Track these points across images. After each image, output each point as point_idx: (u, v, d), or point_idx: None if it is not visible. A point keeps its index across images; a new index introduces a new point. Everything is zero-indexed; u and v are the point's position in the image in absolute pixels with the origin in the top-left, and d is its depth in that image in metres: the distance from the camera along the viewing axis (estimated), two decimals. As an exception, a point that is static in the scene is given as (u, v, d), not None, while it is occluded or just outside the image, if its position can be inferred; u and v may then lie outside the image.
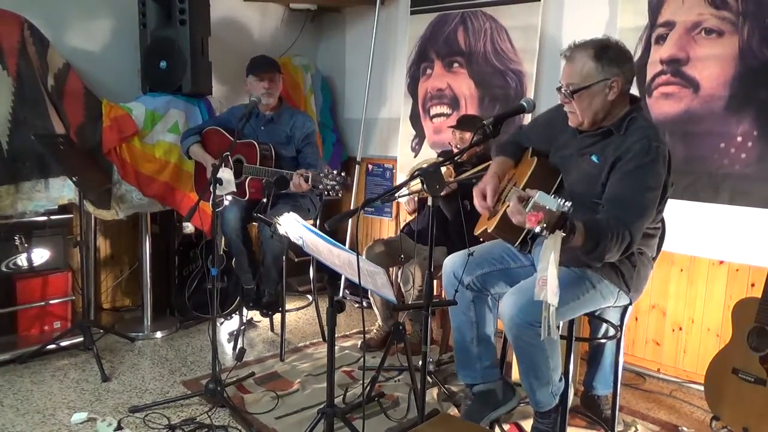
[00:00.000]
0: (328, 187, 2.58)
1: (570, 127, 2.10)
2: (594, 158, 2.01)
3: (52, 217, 3.19)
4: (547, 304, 1.75)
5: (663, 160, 1.91)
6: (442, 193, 2.69)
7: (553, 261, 1.68)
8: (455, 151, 3.08)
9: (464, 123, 3.17)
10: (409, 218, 3.42)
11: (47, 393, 2.68)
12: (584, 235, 1.74)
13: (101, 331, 3.32)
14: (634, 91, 2.98)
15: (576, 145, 2.09)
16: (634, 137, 1.93)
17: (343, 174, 2.60)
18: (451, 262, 2.29)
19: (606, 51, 1.94)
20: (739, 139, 2.72)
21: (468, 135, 3.11)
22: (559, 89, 2.00)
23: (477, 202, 2.13)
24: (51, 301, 3.21)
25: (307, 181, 2.73)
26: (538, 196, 1.60)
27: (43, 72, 3.07)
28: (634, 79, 2.03)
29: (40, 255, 3.17)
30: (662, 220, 2.24)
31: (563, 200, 1.59)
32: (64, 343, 3.10)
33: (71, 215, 3.35)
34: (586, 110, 1.97)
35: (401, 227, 3.44)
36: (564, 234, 1.66)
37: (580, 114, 1.98)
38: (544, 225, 1.59)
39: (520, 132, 2.43)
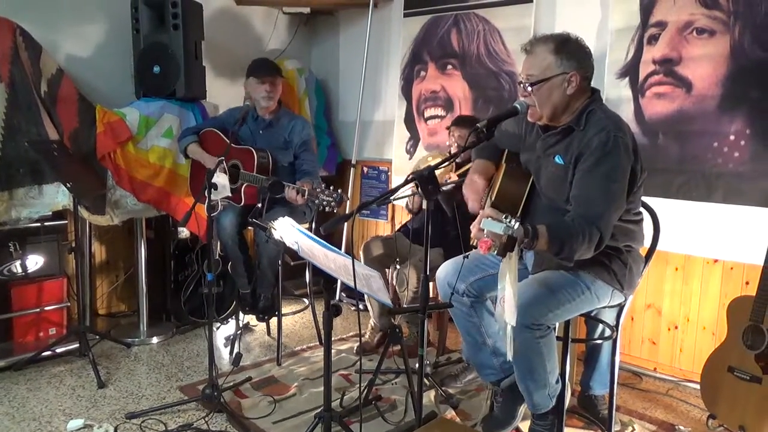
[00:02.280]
0: (324, 203, 2.59)
1: (534, 128, 2.12)
2: (558, 159, 2.01)
3: (47, 224, 3.17)
4: (506, 324, 1.76)
5: (624, 150, 1.90)
6: (444, 188, 2.73)
7: (509, 281, 1.69)
8: (453, 150, 3.11)
9: (463, 121, 3.21)
10: (407, 218, 3.42)
11: (43, 400, 2.67)
12: (547, 238, 1.76)
13: (97, 337, 3.30)
14: (627, 91, 3.02)
15: (541, 146, 2.10)
16: (593, 131, 1.93)
17: (339, 191, 2.60)
18: (444, 271, 2.30)
19: (565, 45, 1.95)
20: (732, 137, 2.73)
21: (464, 131, 3.14)
22: (520, 83, 2.02)
23: (468, 194, 2.15)
24: (46, 308, 3.20)
25: (303, 195, 2.73)
26: (484, 224, 1.63)
27: (36, 78, 3.06)
28: (593, 75, 2.04)
29: (35, 261, 3.16)
30: (652, 212, 2.26)
31: (511, 220, 1.61)
32: (59, 350, 3.09)
33: (66, 221, 3.33)
34: (545, 103, 1.98)
35: (398, 227, 3.44)
36: (526, 244, 1.71)
37: (539, 107, 1.99)
38: (494, 252, 1.62)
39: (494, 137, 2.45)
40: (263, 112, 3.25)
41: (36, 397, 2.70)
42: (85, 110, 3.23)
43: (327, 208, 2.61)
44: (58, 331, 3.24)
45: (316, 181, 3.02)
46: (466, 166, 2.84)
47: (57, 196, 3.12)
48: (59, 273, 3.26)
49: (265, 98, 3.17)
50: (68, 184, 2.95)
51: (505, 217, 1.63)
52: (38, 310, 3.18)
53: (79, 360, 3.08)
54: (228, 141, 3.13)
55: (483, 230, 1.64)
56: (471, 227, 1.80)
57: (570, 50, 1.95)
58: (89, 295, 3.57)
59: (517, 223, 1.62)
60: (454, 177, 2.93)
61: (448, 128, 3.20)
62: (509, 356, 1.85)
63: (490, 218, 1.64)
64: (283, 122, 3.28)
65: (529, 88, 1.97)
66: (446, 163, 2.29)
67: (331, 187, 2.63)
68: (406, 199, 3.18)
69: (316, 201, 2.62)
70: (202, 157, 3.18)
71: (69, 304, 3.32)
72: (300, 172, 3.20)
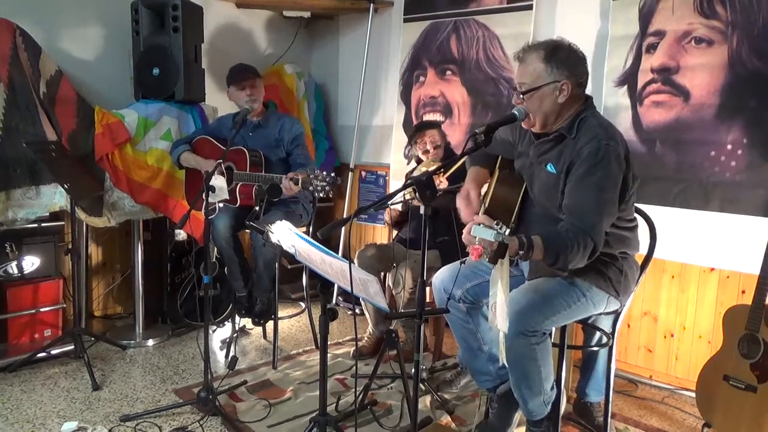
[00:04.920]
0: (318, 187, 2.58)
1: (527, 134, 2.12)
2: (550, 168, 2.01)
3: (43, 225, 3.17)
4: (497, 330, 1.76)
5: (616, 158, 1.90)
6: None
7: (501, 288, 1.69)
8: (424, 158, 3.14)
9: (424, 126, 3.23)
10: (395, 231, 3.43)
11: (37, 402, 2.66)
12: (543, 249, 1.77)
13: (92, 339, 3.30)
14: (626, 99, 3.03)
15: (534, 153, 2.10)
16: (584, 140, 1.93)
17: (333, 174, 2.59)
18: (441, 277, 2.30)
19: (557, 53, 1.94)
20: (729, 147, 2.74)
21: (434, 131, 3.15)
22: (514, 89, 2.02)
23: (462, 209, 2.14)
24: (42, 309, 3.19)
25: (297, 183, 2.73)
26: (474, 230, 1.63)
27: (35, 79, 3.06)
28: (589, 80, 2.04)
29: (31, 262, 3.15)
30: (648, 220, 2.27)
31: (502, 227, 1.61)
32: (54, 352, 3.08)
33: (62, 222, 3.33)
34: (537, 111, 1.98)
35: (394, 237, 3.44)
36: (522, 253, 1.72)
37: (531, 115, 1.99)
38: (486, 258, 1.62)
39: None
40: (250, 115, 3.26)
41: (30, 399, 2.69)
42: (83, 111, 3.23)
43: (322, 194, 2.59)
44: (53, 333, 3.23)
45: (310, 169, 3.01)
46: (453, 168, 2.85)
47: (54, 197, 3.12)
48: (55, 274, 3.26)
49: (248, 102, 3.17)
50: (66, 185, 2.94)
51: (497, 224, 1.63)
52: (33, 311, 3.17)
53: (74, 362, 3.07)
54: (221, 146, 3.14)
55: (475, 237, 1.64)
56: (463, 234, 1.80)
57: (561, 58, 1.94)
58: (85, 297, 3.56)
59: (508, 230, 1.63)
60: (443, 181, 2.93)
61: (411, 141, 3.22)
62: (501, 361, 1.85)
63: (481, 225, 1.64)
64: (272, 122, 3.30)
65: (521, 96, 1.97)
66: (443, 168, 2.31)
67: (324, 172, 2.61)
68: (386, 214, 3.19)
69: (311, 187, 2.60)
70: (196, 161, 3.19)
71: (65, 305, 3.31)
72: (295, 165, 3.20)
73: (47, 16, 3.35)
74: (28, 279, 3.15)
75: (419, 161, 3.20)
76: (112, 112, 3.28)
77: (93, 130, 3.18)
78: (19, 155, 2.96)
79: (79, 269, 3.30)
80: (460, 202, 2.17)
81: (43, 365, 3.02)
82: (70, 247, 3.14)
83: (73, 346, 3.07)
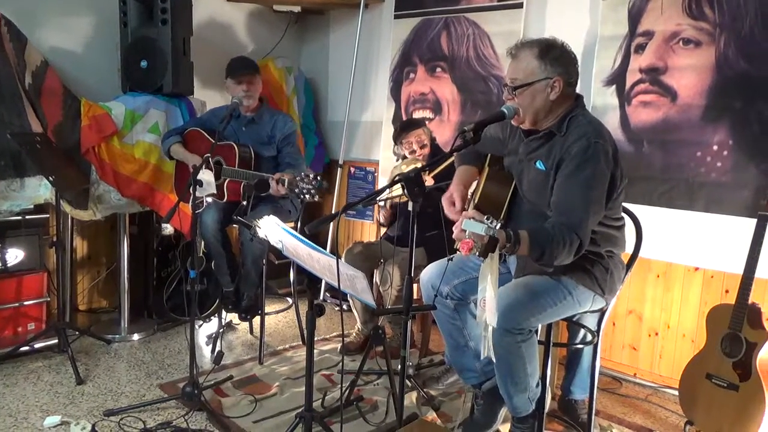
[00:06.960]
0: (304, 191, 2.57)
1: (517, 132, 2.13)
2: (539, 165, 2.03)
3: (28, 217, 3.14)
4: (486, 324, 1.78)
5: (604, 156, 1.92)
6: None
7: (490, 282, 1.70)
8: (409, 157, 3.13)
9: (410, 124, 3.22)
10: (383, 230, 3.43)
11: (20, 396, 2.64)
12: (528, 244, 1.79)
13: (77, 333, 3.27)
14: (614, 99, 3.05)
15: (524, 150, 2.11)
16: (573, 138, 1.95)
17: (319, 177, 2.58)
18: (429, 274, 2.31)
19: (550, 51, 1.96)
20: (715, 147, 2.77)
21: (419, 131, 3.14)
22: (505, 85, 2.03)
23: (447, 209, 2.14)
24: (25, 303, 3.15)
25: (283, 185, 2.72)
26: (465, 224, 1.64)
27: (21, 69, 3.02)
28: (578, 80, 2.05)
29: (15, 255, 3.12)
30: (635, 219, 2.29)
31: (492, 221, 1.63)
32: (38, 345, 3.05)
33: (47, 215, 3.30)
34: (528, 108, 1.99)
35: (381, 235, 3.44)
36: (508, 249, 1.73)
37: (521, 111, 2.00)
38: (476, 252, 1.63)
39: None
40: (244, 110, 3.25)
41: (12, 393, 2.66)
42: (70, 103, 3.19)
43: (308, 197, 2.58)
44: (37, 327, 3.19)
45: (298, 171, 2.99)
46: (440, 168, 2.85)
47: (39, 189, 3.08)
48: (39, 267, 3.22)
49: (244, 97, 3.17)
50: (51, 178, 2.91)
51: (487, 218, 1.64)
52: (17, 304, 3.13)
53: (57, 356, 3.04)
54: (212, 139, 3.12)
55: (465, 231, 1.65)
56: (453, 228, 1.81)
57: (554, 56, 1.96)
58: (70, 291, 3.52)
59: (499, 225, 1.64)
60: (428, 179, 2.94)
61: (397, 141, 3.21)
62: (483, 355, 1.86)
63: (472, 219, 1.65)
64: (265, 118, 3.29)
65: (513, 92, 1.98)
66: (433, 165, 2.31)
67: (311, 175, 2.60)
68: (377, 213, 3.19)
69: (296, 190, 2.59)
70: (185, 156, 3.17)
71: (49, 299, 3.27)
72: (283, 164, 3.20)
73: (33, 6, 3.31)
74: (12, 272, 3.11)
75: (405, 159, 3.20)
76: (99, 104, 3.24)
77: (79, 122, 3.15)
78: (4, 147, 2.93)
79: (63, 263, 3.26)
80: (444, 204, 2.17)
81: (26, 359, 2.99)
82: (54, 240, 3.11)
83: (56, 340, 3.05)
